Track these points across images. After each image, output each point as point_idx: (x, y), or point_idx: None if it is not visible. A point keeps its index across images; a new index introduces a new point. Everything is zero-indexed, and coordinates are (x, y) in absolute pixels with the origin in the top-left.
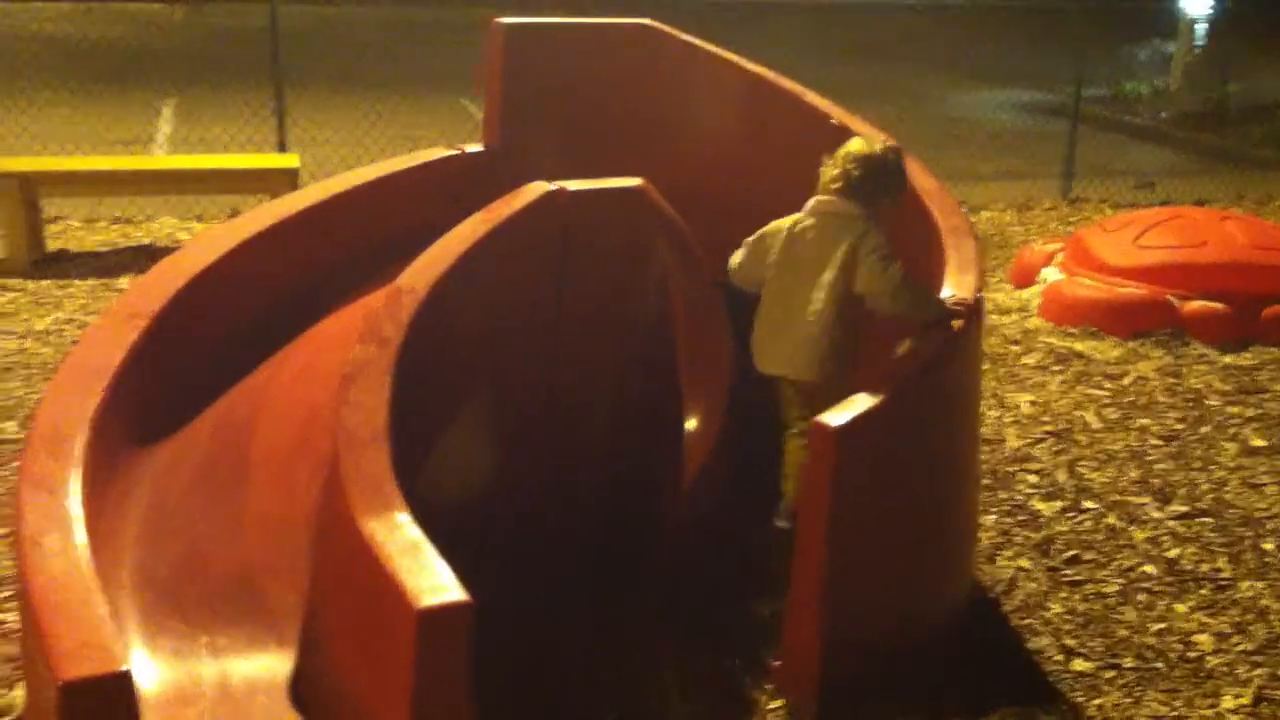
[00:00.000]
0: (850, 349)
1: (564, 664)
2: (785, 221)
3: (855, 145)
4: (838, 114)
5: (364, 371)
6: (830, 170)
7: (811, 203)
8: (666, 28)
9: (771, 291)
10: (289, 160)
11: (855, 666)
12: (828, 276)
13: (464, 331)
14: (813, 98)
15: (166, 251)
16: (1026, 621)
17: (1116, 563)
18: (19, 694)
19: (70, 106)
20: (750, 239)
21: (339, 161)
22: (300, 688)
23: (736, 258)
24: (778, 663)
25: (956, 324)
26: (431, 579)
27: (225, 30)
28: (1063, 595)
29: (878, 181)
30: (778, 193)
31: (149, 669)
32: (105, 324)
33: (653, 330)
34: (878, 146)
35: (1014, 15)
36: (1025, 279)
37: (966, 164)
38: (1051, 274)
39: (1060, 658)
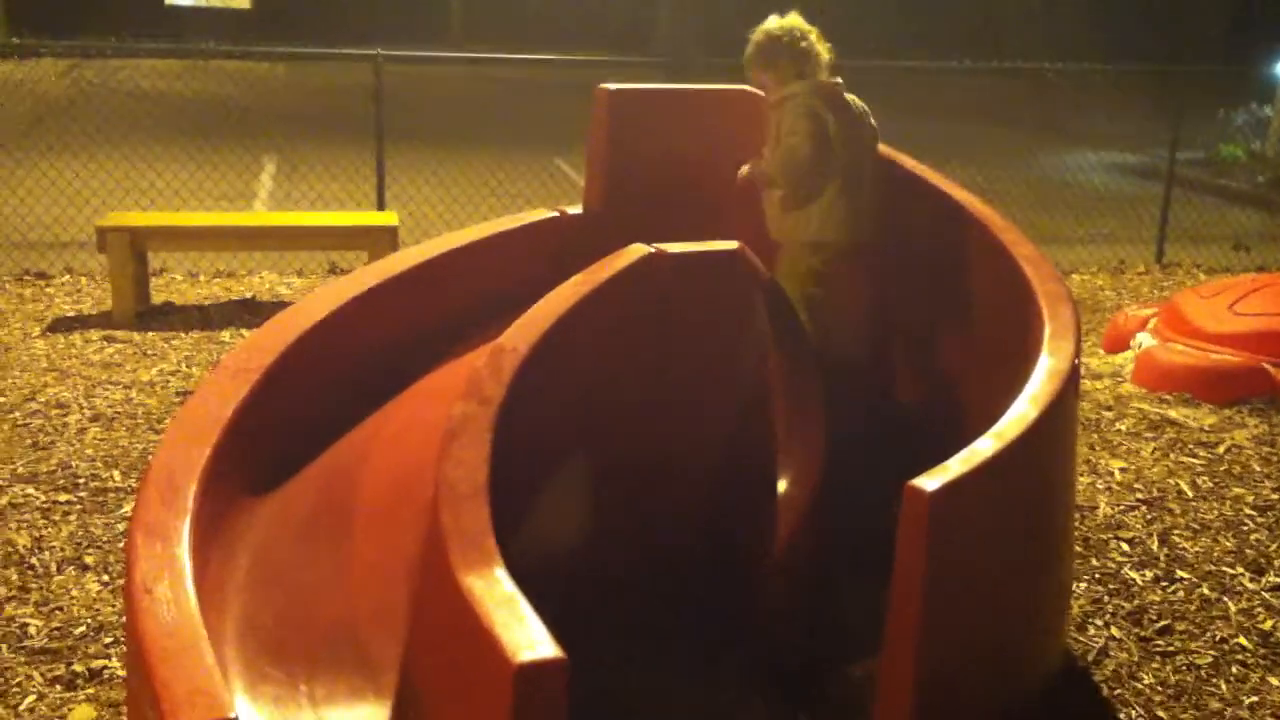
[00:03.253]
0: None
1: None
2: (816, 112)
3: (793, 28)
4: (932, 177)
5: (465, 428)
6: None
7: (813, 88)
8: (766, 94)
9: (839, 173)
10: (388, 218)
11: None
12: (871, 142)
13: (564, 391)
14: (906, 160)
15: (267, 305)
16: (1118, 692)
17: (1209, 634)
18: None
19: (178, 162)
20: (811, 142)
21: (435, 218)
22: None
23: (810, 155)
24: None
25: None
26: (527, 635)
27: (326, 88)
28: (1154, 666)
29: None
30: (871, 254)
31: (251, 717)
32: (217, 378)
33: (749, 392)
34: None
35: (1106, 78)
36: (1118, 344)
37: (1058, 226)
38: (1145, 339)
39: None
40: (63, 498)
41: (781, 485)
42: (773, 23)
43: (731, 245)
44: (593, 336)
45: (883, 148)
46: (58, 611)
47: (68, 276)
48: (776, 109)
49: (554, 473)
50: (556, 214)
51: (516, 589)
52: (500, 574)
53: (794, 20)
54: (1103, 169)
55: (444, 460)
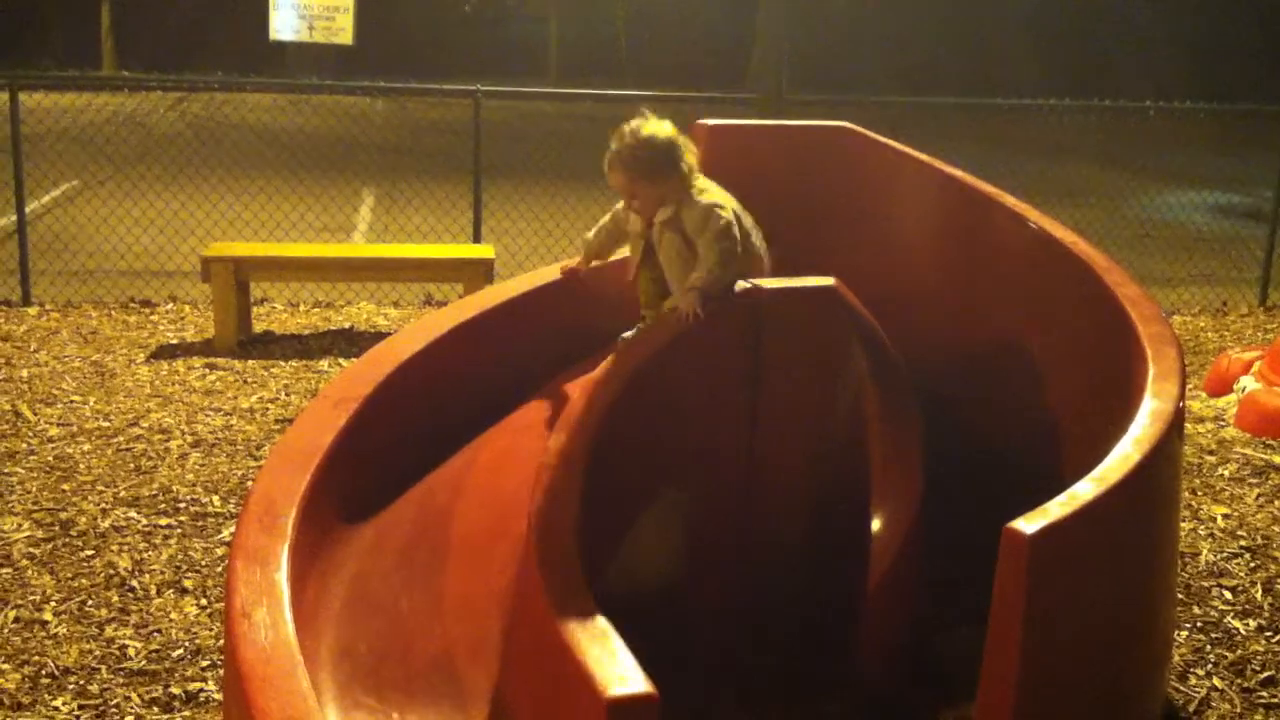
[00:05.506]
0: None
1: None
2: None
3: (680, 139)
4: (1034, 216)
5: (559, 461)
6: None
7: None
8: (864, 130)
9: None
10: (484, 251)
11: None
12: None
13: (658, 425)
14: (1009, 200)
15: (365, 335)
16: None
17: None
18: None
19: (280, 194)
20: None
21: (529, 252)
22: None
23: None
24: None
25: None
26: (619, 669)
27: (424, 122)
28: (1258, 718)
29: None
30: (973, 293)
31: None
32: (316, 407)
33: (845, 429)
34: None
35: (1209, 117)
36: (1221, 387)
37: (1158, 266)
38: (1249, 383)
39: None
40: (163, 522)
41: (877, 524)
42: (659, 128)
43: (827, 281)
44: (686, 372)
45: (984, 185)
46: (156, 634)
47: (172, 305)
48: (667, 224)
49: (646, 507)
50: None
51: (608, 623)
52: (592, 608)
53: (673, 129)
54: (1205, 209)
55: (537, 493)
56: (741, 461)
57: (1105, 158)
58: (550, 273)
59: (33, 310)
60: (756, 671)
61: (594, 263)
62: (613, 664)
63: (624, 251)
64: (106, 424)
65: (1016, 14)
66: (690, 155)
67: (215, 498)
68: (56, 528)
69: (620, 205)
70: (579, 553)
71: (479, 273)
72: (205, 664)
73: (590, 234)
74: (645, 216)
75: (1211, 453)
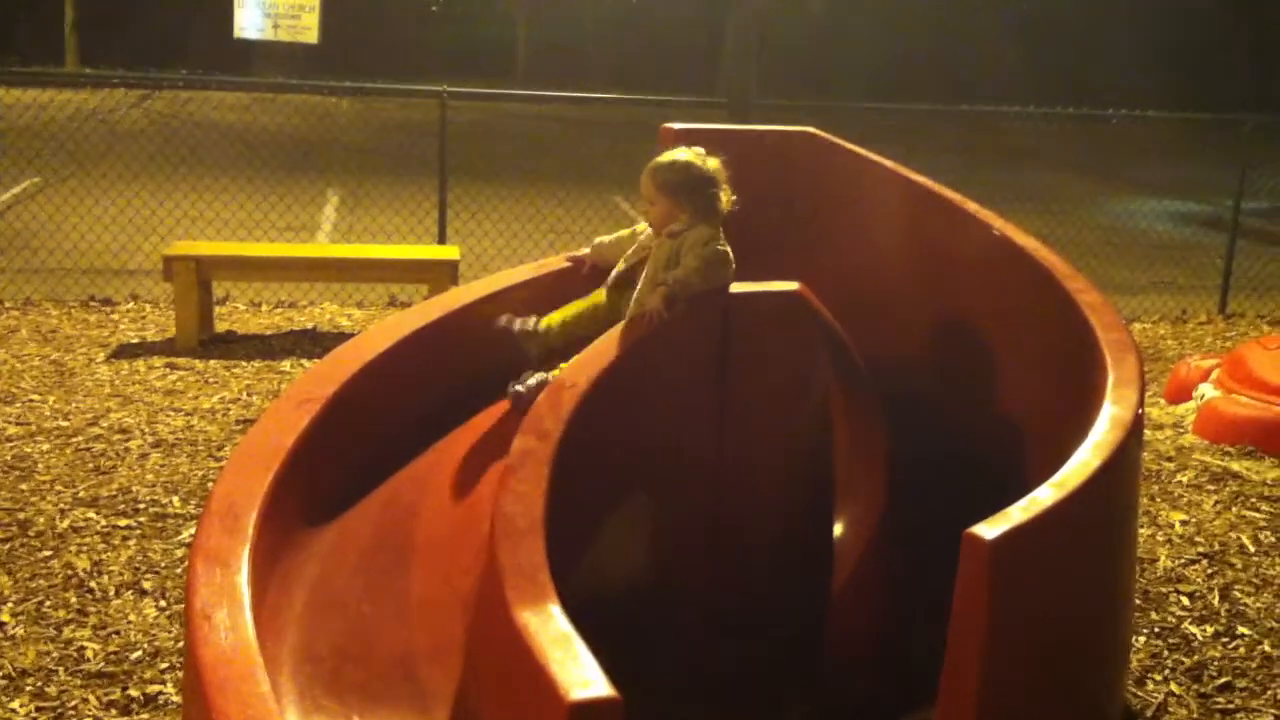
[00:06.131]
0: None
1: None
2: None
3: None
4: (998, 222)
5: (524, 462)
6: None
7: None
8: (829, 136)
9: None
10: (449, 252)
11: None
12: None
13: (624, 428)
14: (972, 206)
15: (328, 336)
16: None
17: (1270, 692)
18: None
19: (244, 193)
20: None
21: (495, 254)
22: None
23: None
24: None
25: None
26: (581, 672)
27: (390, 122)
28: None
29: None
30: (935, 298)
31: None
32: (279, 408)
33: (811, 433)
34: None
35: (1169, 126)
36: (1180, 394)
37: (1120, 274)
38: (1208, 390)
39: None
40: (122, 522)
41: (842, 527)
42: (698, 160)
43: (792, 285)
44: (652, 375)
45: (948, 192)
46: (115, 636)
47: (133, 304)
48: (671, 234)
49: (612, 510)
50: None
51: (571, 626)
52: (555, 611)
53: (715, 167)
54: (1167, 217)
55: (501, 495)
56: (709, 464)
57: (1073, 165)
58: (515, 274)
59: None
60: (721, 672)
61: (596, 263)
62: (575, 667)
63: None
64: (66, 423)
65: (997, 23)
66: (720, 199)
67: (175, 499)
68: (14, 528)
69: (641, 225)
70: (542, 554)
71: (444, 274)
72: (164, 666)
73: (607, 238)
74: (655, 227)
75: (1170, 459)
